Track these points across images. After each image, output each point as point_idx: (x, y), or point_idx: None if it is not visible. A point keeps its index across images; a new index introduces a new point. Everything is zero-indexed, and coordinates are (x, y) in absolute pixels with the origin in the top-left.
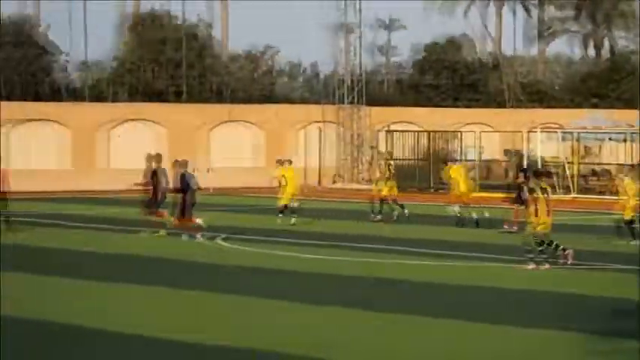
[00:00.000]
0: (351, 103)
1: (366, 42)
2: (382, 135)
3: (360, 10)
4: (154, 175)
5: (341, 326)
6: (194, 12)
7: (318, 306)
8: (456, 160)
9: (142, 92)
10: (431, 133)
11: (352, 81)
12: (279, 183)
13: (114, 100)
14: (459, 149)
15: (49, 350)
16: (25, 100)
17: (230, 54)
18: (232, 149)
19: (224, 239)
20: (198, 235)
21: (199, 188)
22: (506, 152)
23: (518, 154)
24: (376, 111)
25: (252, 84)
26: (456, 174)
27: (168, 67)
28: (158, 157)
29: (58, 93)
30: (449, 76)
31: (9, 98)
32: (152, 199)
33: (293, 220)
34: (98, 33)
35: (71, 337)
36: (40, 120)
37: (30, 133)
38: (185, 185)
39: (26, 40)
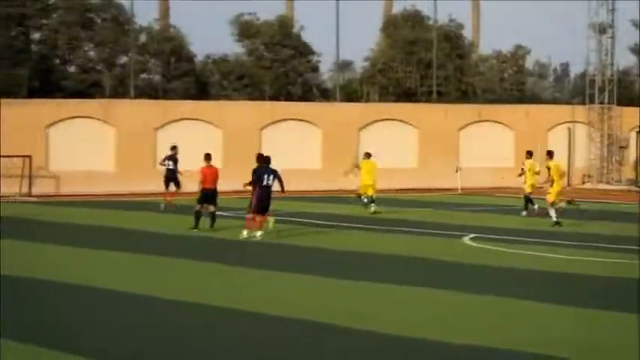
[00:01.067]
0: (602, 103)
1: (618, 42)
2: (633, 135)
3: (612, 9)
4: None
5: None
6: (445, 12)
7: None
8: None
9: (393, 92)
10: None
11: (603, 81)
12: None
13: (365, 101)
14: None
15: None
16: (277, 100)
17: (480, 54)
18: (481, 149)
19: (472, 239)
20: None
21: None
22: None
23: None
24: (628, 111)
25: (502, 84)
26: None
27: (419, 68)
28: None
29: (309, 93)
30: None
31: (261, 98)
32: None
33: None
34: (350, 34)
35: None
36: (291, 120)
37: (282, 132)
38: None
39: (279, 41)
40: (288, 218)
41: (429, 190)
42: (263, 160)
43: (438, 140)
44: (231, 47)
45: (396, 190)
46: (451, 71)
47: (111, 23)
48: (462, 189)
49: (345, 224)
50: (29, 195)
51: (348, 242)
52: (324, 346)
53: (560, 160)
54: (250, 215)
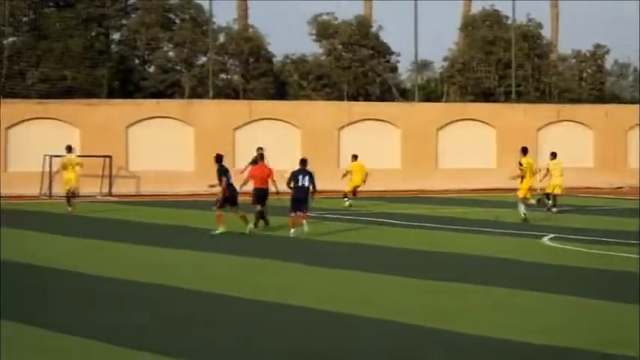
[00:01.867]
0: None
1: None
2: None
3: None
4: None
5: None
6: (524, 12)
7: None
8: None
9: (471, 92)
10: None
11: None
12: None
13: (444, 101)
14: None
15: None
16: (355, 100)
17: (559, 54)
18: (560, 149)
19: (552, 239)
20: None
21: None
22: None
23: None
24: None
25: (581, 84)
26: None
27: (498, 67)
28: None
29: (387, 93)
30: None
31: (341, 98)
32: None
33: None
34: (429, 34)
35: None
36: (369, 120)
37: (359, 132)
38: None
39: (357, 41)
40: (370, 219)
41: (508, 190)
42: (304, 164)
43: (517, 140)
44: (309, 47)
45: (475, 190)
46: (530, 71)
47: (190, 23)
48: (541, 189)
49: (424, 224)
50: (110, 195)
51: (428, 242)
52: (409, 345)
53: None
54: (219, 212)
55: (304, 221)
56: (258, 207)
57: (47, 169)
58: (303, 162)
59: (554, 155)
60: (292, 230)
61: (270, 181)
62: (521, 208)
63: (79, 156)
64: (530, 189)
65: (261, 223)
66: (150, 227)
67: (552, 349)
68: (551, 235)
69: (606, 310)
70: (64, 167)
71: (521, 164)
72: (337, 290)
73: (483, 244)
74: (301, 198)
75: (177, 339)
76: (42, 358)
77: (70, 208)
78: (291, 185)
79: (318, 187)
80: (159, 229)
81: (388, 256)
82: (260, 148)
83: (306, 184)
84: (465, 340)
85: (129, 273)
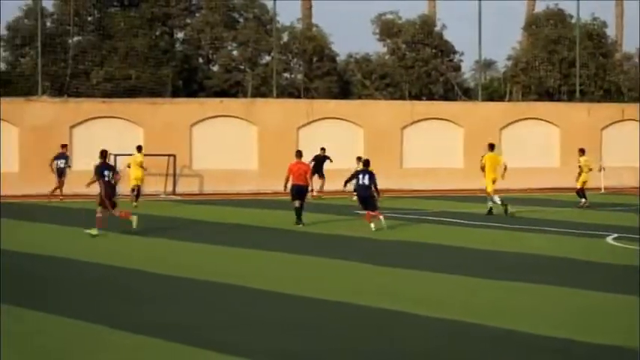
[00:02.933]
0: None
1: None
2: None
3: None
4: None
5: None
6: (588, 11)
7: None
8: None
9: (534, 91)
10: None
11: None
12: None
13: (507, 100)
14: None
15: None
16: (418, 99)
17: (624, 53)
18: (625, 148)
19: (615, 239)
20: None
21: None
22: None
23: None
24: None
25: None
26: None
27: (562, 66)
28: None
29: (450, 92)
30: None
31: (404, 97)
32: None
33: None
34: (493, 33)
35: None
36: (432, 119)
37: (422, 132)
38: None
39: (421, 40)
40: (433, 218)
41: (572, 189)
42: (366, 164)
43: (580, 139)
44: (373, 46)
45: (538, 189)
46: (593, 70)
47: (253, 23)
48: (605, 188)
49: (486, 223)
50: (173, 193)
51: (490, 241)
52: (473, 345)
53: None
54: (99, 214)
55: (380, 217)
56: (297, 203)
57: None
58: (367, 163)
59: (582, 152)
60: (372, 225)
61: (307, 177)
62: (490, 203)
63: (145, 155)
64: (494, 181)
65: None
66: (212, 226)
67: (616, 350)
68: (615, 235)
69: None
70: (129, 165)
71: (482, 158)
72: (399, 289)
73: (546, 243)
74: (364, 195)
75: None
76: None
77: (134, 204)
78: (346, 184)
79: (381, 186)
80: (220, 227)
81: (449, 255)
82: (323, 149)
83: (367, 182)
84: (531, 339)
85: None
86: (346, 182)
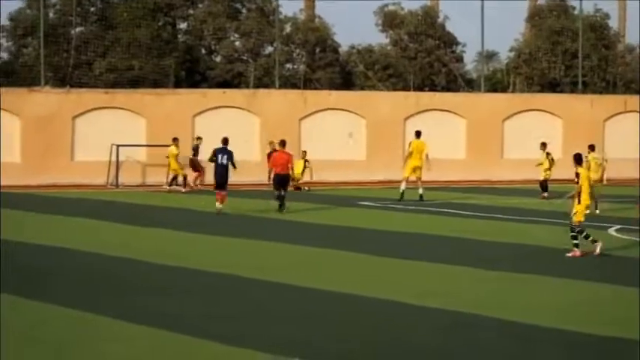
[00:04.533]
0: None
1: None
2: None
3: None
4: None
5: None
6: (591, 2)
7: None
8: None
9: (537, 83)
10: None
11: None
12: None
13: (510, 91)
14: None
15: None
16: (421, 90)
17: (627, 44)
18: (628, 140)
19: (617, 230)
20: None
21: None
22: None
23: None
24: None
25: None
26: None
27: (564, 58)
28: None
29: (453, 83)
30: None
31: (406, 88)
32: None
33: None
34: (495, 24)
35: None
36: (435, 110)
37: (425, 122)
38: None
39: (424, 31)
40: (433, 208)
41: (573, 181)
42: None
43: (583, 131)
44: (375, 38)
45: (537, 181)
46: (596, 61)
47: (256, 13)
48: (607, 180)
49: (488, 214)
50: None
51: (491, 231)
52: (475, 336)
53: None
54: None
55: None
56: (281, 191)
57: (114, 158)
58: (225, 141)
59: (592, 148)
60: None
61: (289, 167)
62: (402, 187)
63: (149, 145)
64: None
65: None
66: (208, 216)
67: (617, 341)
68: (617, 227)
69: None
70: (168, 157)
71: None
72: (396, 280)
73: (548, 234)
74: (220, 173)
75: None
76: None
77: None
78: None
79: (382, 177)
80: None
81: (449, 245)
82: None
83: (225, 161)
84: (530, 330)
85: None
86: (210, 160)
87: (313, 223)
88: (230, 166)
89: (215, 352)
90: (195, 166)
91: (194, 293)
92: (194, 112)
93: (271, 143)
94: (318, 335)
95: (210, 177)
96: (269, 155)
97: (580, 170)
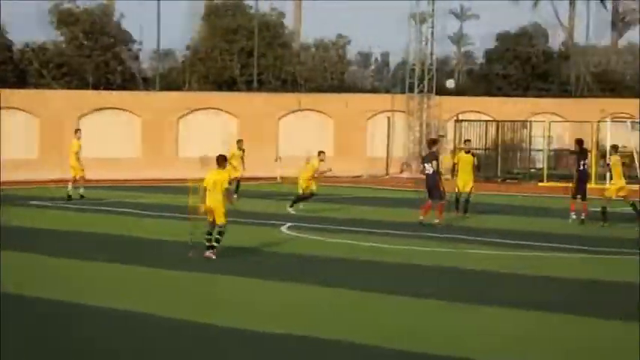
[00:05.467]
0: (421, 92)
1: (437, 31)
2: (451, 124)
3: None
4: None
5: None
6: (266, 2)
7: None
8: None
9: (213, 81)
10: (499, 123)
11: (423, 70)
12: None
13: (186, 89)
14: (528, 139)
15: None
16: (97, 88)
17: (301, 43)
18: (301, 138)
19: (289, 228)
20: None
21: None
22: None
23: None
24: (446, 100)
25: (323, 73)
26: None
27: (240, 57)
28: None
29: (129, 82)
30: (520, 66)
31: (81, 87)
32: None
33: None
34: (171, 22)
35: None
36: (111, 108)
37: (102, 121)
38: None
39: (99, 29)
40: (104, 208)
41: (249, 179)
42: None
43: (258, 129)
44: (50, 36)
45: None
46: (272, 60)
47: None
48: (281, 178)
49: (160, 213)
50: None
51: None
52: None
53: (380, 149)
54: None
55: None
56: None
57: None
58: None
59: (615, 149)
60: None
61: None
62: None
63: None
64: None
65: None
66: None
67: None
68: (289, 224)
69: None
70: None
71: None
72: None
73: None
74: None
75: None
76: None
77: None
78: None
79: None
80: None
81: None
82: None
83: None
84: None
85: None
86: None
87: None
88: None
89: None
90: None
91: None
92: None
93: None
94: None
95: None
96: None
97: None
